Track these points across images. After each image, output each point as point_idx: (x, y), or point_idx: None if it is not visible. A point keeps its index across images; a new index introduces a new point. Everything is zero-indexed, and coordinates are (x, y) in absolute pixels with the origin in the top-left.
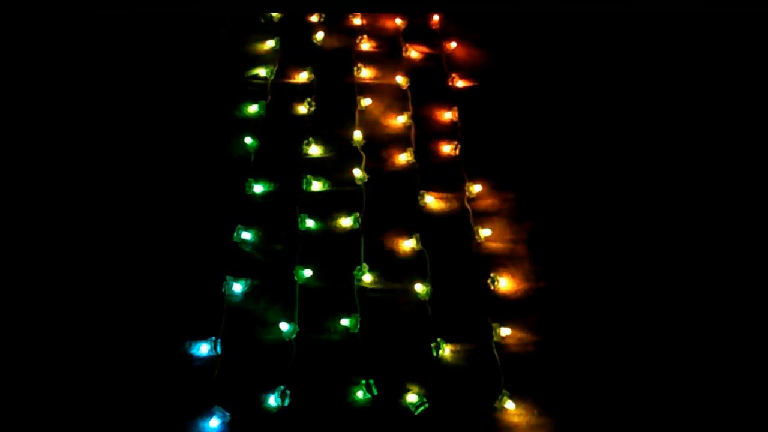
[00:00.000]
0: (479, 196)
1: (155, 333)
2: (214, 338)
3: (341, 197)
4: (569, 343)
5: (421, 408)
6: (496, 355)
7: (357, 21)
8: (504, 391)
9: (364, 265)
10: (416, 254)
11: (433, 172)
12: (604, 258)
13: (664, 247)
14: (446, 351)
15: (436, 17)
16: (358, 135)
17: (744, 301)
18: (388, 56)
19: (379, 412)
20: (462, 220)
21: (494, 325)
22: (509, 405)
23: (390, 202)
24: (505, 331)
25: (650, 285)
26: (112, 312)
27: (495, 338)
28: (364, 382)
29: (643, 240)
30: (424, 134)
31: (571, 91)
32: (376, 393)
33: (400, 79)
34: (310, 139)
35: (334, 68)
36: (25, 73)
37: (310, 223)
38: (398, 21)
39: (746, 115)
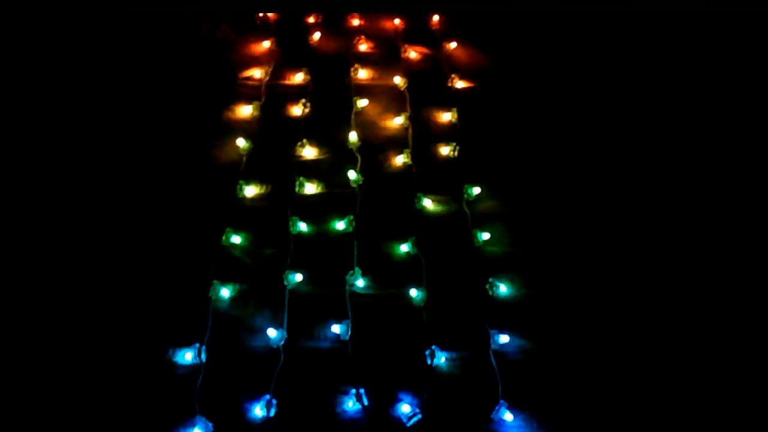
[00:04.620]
0: (478, 198)
1: (138, 339)
2: (198, 345)
3: (335, 200)
4: (570, 351)
5: (414, 419)
6: (494, 363)
7: (355, 22)
8: (502, 400)
9: (357, 269)
10: (412, 259)
11: (430, 175)
12: (606, 263)
13: (668, 254)
14: (441, 359)
15: (435, 18)
16: (353, 137)
17: (741, 307)
18: (386, 57)
19: (369, 423)
20: (460, 223)
21: (492, 331)
22: (507, 415)
23: (386, 204)
24: (503, 338)
25: (652, 293)
26: (95, 317)
27: (493, 345)
28: (354, 391)
29: (646, 247)
30: (422, 136)
31: (572, 92)
32: (366, 403)
33: (398, 80)
34: (304, 140)
35: (331, 69)
36: (24, 73)
37: (302, 226)
38: (397, 22)
39: (746, 115)
